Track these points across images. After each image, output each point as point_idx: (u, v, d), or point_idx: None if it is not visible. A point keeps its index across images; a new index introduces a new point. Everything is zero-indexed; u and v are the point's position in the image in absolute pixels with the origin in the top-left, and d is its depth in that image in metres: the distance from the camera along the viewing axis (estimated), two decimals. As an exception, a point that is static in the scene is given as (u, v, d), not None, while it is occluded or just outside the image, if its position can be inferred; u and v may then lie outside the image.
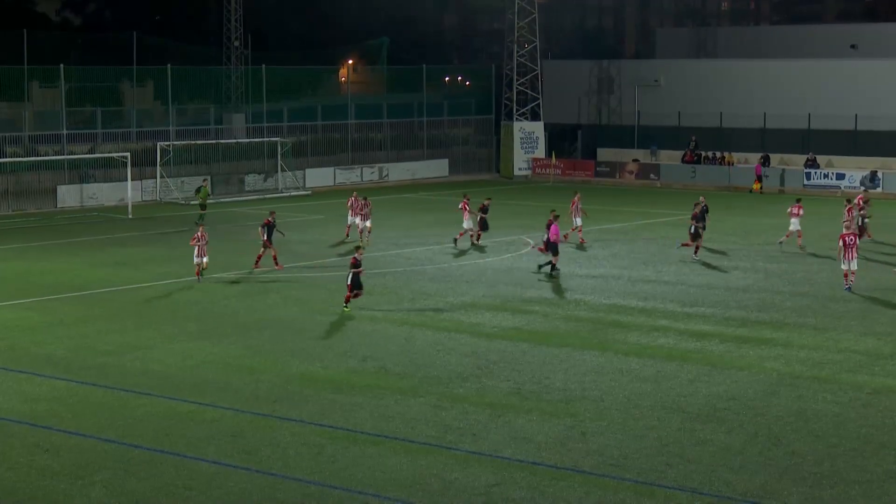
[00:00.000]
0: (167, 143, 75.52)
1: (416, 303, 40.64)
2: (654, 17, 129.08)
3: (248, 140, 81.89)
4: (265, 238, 46.59)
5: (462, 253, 51.89)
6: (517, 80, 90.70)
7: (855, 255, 42.12)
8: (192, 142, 77.66)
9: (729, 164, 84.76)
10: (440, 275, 46.10)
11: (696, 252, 49.57)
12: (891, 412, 27.67)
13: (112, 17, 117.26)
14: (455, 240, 53.57)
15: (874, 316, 38.48)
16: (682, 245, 50.62)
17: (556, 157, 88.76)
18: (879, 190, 76.00)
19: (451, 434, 25.96)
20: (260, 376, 30.97)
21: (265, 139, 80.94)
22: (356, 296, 39.14)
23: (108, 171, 72.87)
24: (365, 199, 54.51)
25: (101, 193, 72.31)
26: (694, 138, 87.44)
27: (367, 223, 53.85)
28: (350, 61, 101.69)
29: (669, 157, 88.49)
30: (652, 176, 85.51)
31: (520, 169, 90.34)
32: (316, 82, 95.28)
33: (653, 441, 25.48)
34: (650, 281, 44.66)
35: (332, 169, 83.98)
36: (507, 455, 24.55)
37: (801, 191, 78.55)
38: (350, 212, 55.22)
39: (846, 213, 51.20)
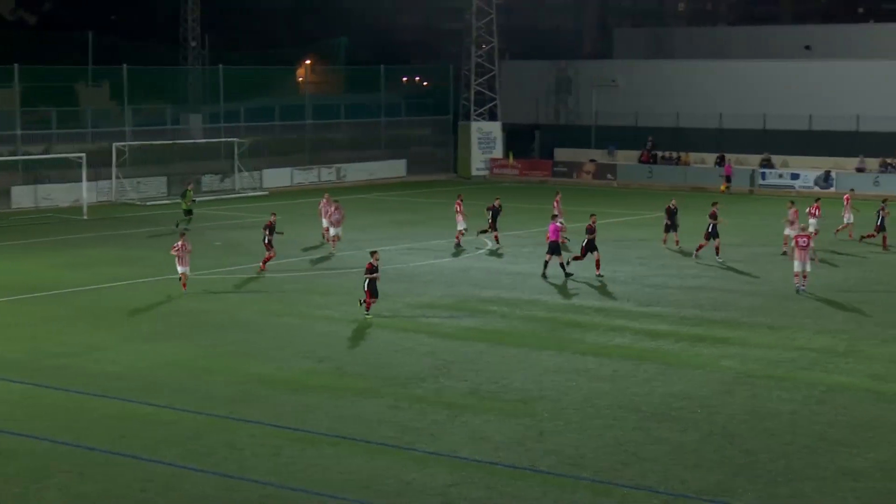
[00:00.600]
0: (123, 143, 75.11)
1: (374, 303, 40.58)
2: (611, 18, 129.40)
3: (205, 140, 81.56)
4: (266, 241, 46.30)
5: (459, 252, 51.92)
6: (475, 81, 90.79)
7: (807, 256, 41.85)
8: (149, 142, 77.27)
9: (685, 164, 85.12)
10: (398, 275, 46.08)
11: (698, 250, 49.53)
12: (845, 410, 27.88)
13: (68, 17, 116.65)
14: (457, 244, 53.40)
15: (828, 314, 38.75)
16: (714, 248, 49.38)
17: (513, 158, 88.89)
18: (833, 190, 76.49)
19: (408, 434, 25.97)
20: (217, 378, 30.89)
21: (222, 139, 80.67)
22: (371, 303, 38.21)
23: (64, 171, 72.34)
24: (337, 203, 53.06)
25: (55, 194, 71.85)
26: (651, 138, 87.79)
27: (339, 230, 52.15)
28: (308, 61, 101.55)
29: (626, 157, 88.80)
30: (609, 176, 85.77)
31: (477, 169, 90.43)
32: (273, 82, 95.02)
33: (609, 440, 25.58)
34: (607, 280, 44.79)
35: (289, 169, 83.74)
36: (464, 455, 24.58)
37: (756, 190, 79.00)
38: (322, 215, 53.76)
39: (791, 213, 50.59)
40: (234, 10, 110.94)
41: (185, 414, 27.58)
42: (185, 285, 42.09)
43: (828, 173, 78.05)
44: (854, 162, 79.29)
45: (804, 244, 41.68)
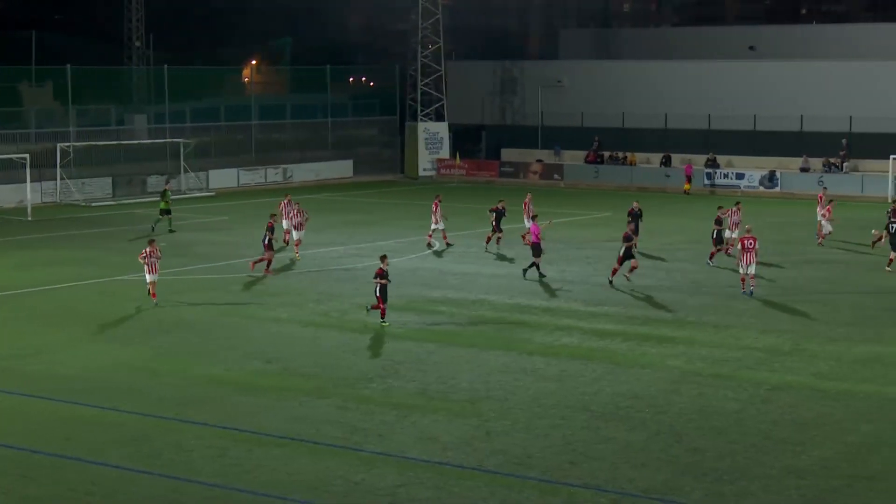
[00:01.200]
0: (67, 144, 74.62)
1: (322, 304, 40.57)
2: (557, 18, 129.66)
3: (150, 141, 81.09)
4: (266, 242, 46.04)
5: (439, 254, 51.87)
6: (421, 81, 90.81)
7: (754, 258, 41.47)
8: (94, 143, 76.74)
9: (632, 165, 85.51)
10: (346, 276, 46.05)
11: (711, 257, 48.28)
12: (790, 408, 28.11)
13: (10, 16, 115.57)
14: (428, 244, 53.35)
15: (773, 313, 39.03)
16: (727, 252, 48.73)
17: (460, 158, 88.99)
18: (778, 189, 77.07)
19: (356, 435, 25.96)
20: (164, 379, 30.76)
21: (168, 140, 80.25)
22: (378, 309, 37.14)
23: (7, 172, 71.69)
24: (298, 205, 51.69)
25: (-1, 195, 71.32)
26: (597, 138, 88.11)
27: (302, 234, 50.68)
28: (253, 62, 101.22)
29: (573, 158, 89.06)
30: (555, 176, 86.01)
31: (424, 169, 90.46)
32: (219, 83, 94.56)
33: (557, 440, 25.67)
34: (554, 280, 44.92)
35: (235, 170, 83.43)
36: (413, 455, 24.60)
37: (701, 189, 79.41)
38: (284, 217, 52.19)
39: (734, 214, 50.64)
40: (179, 10, 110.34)
41: (132, 416, 27.44)
42: (153, 294, 40.07)
43: (772, 173, 78.60)
44: (798, 162, 79.90)
45: (750, 246, 41.41)
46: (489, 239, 52.28)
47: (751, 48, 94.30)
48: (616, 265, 43.96)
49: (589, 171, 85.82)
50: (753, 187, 78.51)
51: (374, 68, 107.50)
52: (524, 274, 45.48)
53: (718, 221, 48.76)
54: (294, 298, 41.38)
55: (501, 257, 50.66)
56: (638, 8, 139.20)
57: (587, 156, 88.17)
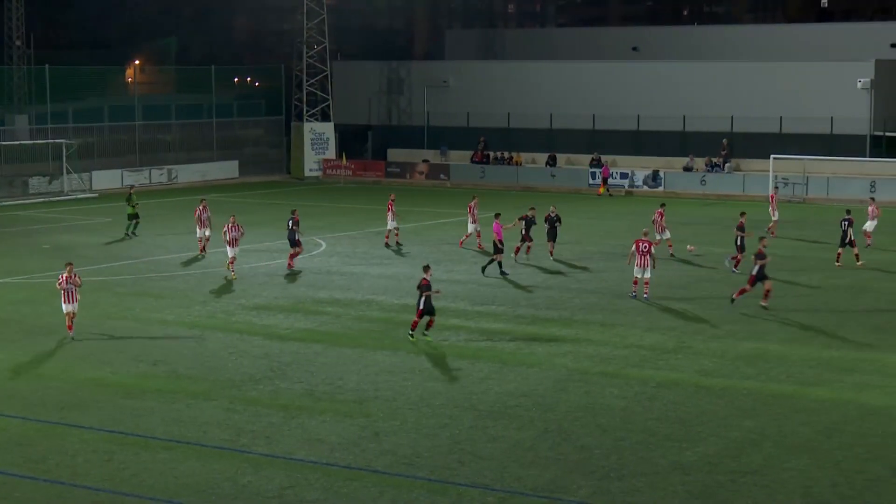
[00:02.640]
0: (-55, 144, 73.33)
1: (208, 305, 40.28)
2: (442, 19, 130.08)
3: (31, 142, 79.88)
4: (295, 237, 46.06)
5: (400, 254, 51.56)
6: (307, 81, 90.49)
7: (649, 262, 40.65)
8: (-27, 143, 75.48)
9: (517, 164, 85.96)
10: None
11: (736, 265, 46.58)
12: (675, 405, 28.46)
13: None
14: (386, 243, 53.12)
15: (659, 312, 39.46)
16: (733, 259, 47.01)
17: (346, 158, 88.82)
18: (661, 189, 77.93)
19: (244, 437, 25.84)
20: (48, 383, 30.35)
21: (49, 141, 79.05)
22: (429, 324, 35.25)
23: None
24: (234, 219, 46.50)
25: None
26: (483, 139, 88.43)
27: (236, 251, 46.32)
28: (137, 61, 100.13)
29: (459, 158, 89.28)
30: (442, 176, 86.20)
31: (310, 170, 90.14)
32: (102, 83, 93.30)
33: (445, 439, 25.75)
34: (441, 280, 44.89)
35: (119, 171, 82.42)
36: (300, 457, 24.54)
37: (585, 189, 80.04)
38: (198, 224, 50.87)
39: (658, 214, 50.77)
40: (61, 8, 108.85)
41: (15, 420, 27.05)
42: (70, 327, 35.31)
43: (656, 173, 79.48)
44: (682, 161, 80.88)
45: (645, 250, 40.67)
46: (518, 250, 49.68)
47: (634, 49, 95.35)
48: (748, 286, 40.01)
49: (475, 170, 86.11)
50: (638, 187, 79.31)
51: (260, 68, 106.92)
52: (483, 271, 45.79)
53: (741, 228, 47.17)
54: (180, 300, 41.04)
55: (384, 258, 50.66)
56: (522, 9, 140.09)
57: (473, 156, 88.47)
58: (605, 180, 79.01)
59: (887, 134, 76.73)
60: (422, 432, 26.25)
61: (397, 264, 48.83)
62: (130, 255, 50.71)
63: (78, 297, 35.43)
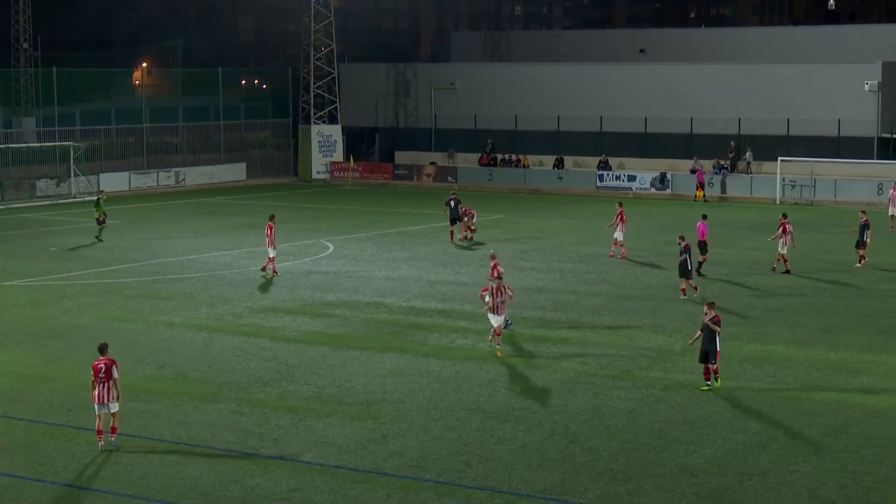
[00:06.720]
0: (-47, 147, 73.41)
1: (215, 308, 40.30)
2: (449, 21, 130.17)
3: (39, 144, 79.93)
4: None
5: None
6: (314, 83, 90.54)
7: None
8: (-20, 146, 75.56)
9: (525, 167, 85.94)
10: (239, 279, 45.76)
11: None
12: (682, 407, 28.45)
13: None
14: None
15: (665, 314, 39.41)
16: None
17: (353, 161, 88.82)
18: (669, 192, 77.87)
19: (251, 439, 25.84)
20: (55, 385, 30.38)
21: (57, 143, 79.12)
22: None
23: None
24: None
25: None
26: (490, 141, 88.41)
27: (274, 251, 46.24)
28: (144, 64, 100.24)
29: (466, 160, 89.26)
30: (449, 178, 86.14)
31: (318, 172, 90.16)
32: (109, 85, 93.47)
33: (453, 441, 25.75)
34: (448, 283, 45.01)
35: (126, 173, 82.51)
36: (308, 459, 24.55)
37: (593, 192, 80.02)
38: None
39: (619, 216, 50.44)
40: (68, 11, 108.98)
41: (21, 423, 27.09)
42: (101, 433, 25.50)
43: (663, 175, 79.41)
44: (689, 163, 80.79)
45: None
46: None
47: (641, 51, 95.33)
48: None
49: (482, 173, 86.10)
50: (645, 189, 79.26)
51: (267, 70, 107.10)
52: (697, 271, 44.92)
53: (866, 225, 47.30)
54: (187, 302, 41.07)
55: (391, 261, 50.65)
56: (528, 11, 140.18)
57: (480, 158, 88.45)
58: (700, 185, 76.44)
59: (895, 136, 76.63)
60: (430, 435, 26.26)
61: (404, 266, 48.79)
62: (138, 258, 50.73)
63: (115, 393, 25.73)
